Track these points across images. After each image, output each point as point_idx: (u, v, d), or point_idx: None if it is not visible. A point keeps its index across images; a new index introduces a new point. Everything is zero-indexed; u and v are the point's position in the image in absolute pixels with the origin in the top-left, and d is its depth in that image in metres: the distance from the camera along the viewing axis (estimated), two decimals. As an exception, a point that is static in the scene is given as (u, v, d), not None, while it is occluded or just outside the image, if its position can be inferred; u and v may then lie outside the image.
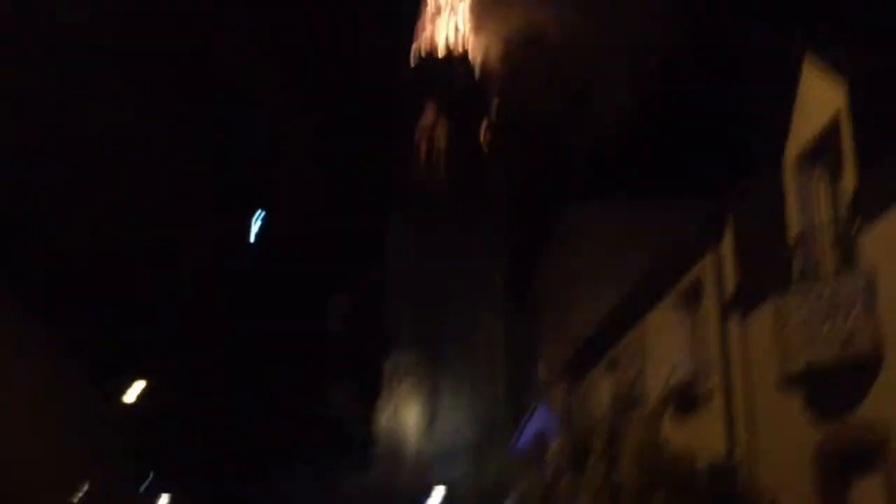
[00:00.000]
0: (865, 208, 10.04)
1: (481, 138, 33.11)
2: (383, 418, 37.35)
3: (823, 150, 11.15)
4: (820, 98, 10.92)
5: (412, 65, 36.37)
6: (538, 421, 22.53)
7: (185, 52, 28.69)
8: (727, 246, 13.44)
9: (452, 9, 38.45)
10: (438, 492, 35.77)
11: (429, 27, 38.68)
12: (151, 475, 30.02)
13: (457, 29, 37.61)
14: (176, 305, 26.31)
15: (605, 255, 21.06)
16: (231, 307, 27.48)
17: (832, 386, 10.33)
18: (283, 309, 29.82)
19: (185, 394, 26.41)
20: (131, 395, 24.97)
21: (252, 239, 32.90)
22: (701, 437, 13.70)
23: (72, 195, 23.76)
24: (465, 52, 36.70)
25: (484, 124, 33.73)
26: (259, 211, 33.22)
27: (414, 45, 37.34)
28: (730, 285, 13.31)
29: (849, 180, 10.46)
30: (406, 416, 37.87)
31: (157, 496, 31.38)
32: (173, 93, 27.49)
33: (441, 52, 37.15)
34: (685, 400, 14.73)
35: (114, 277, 24.57)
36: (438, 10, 38.74)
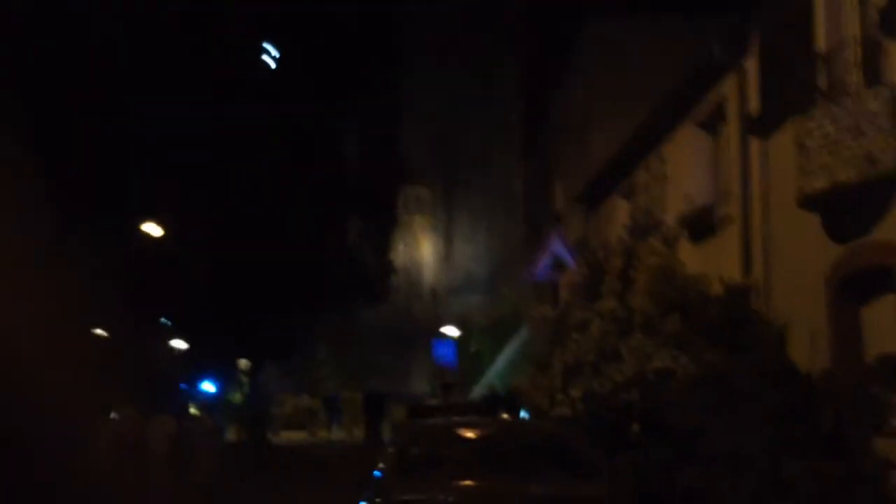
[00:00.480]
0: (893, 27, 9.51)
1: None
2: (399, 252, 37.56)
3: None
4: None
5: None
6: (553, 249, 22.42)
7: None
8: (751, 64, 12.86)
9: None
10: (452, 325, 36.23)
11: None
12: (166, 320, 30.46)
13: None
14: (190, 144, 25.94)
15: (625, 75, 20.45)
16: (245, 142, 27.10)
17: (851, 207, 10.07)
18: (298, 144, 29.41)
19: (201, 234, 26.39)
20: (149, 235, 25.04)
21: (270, 66, 32.22)
22: (717, 262, 13.52)
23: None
24: None
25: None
26: (273, 41, 32.44)
27: None
28: (753, 105, 12.82)
29: (879, -2, 9.85)
30: (421, 250, 38.02)
31: (172, 339, 31.95)
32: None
33: None
34: (702, 224, 14.50)
35: (125, 112, 24.12)
36: None
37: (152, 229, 25.29)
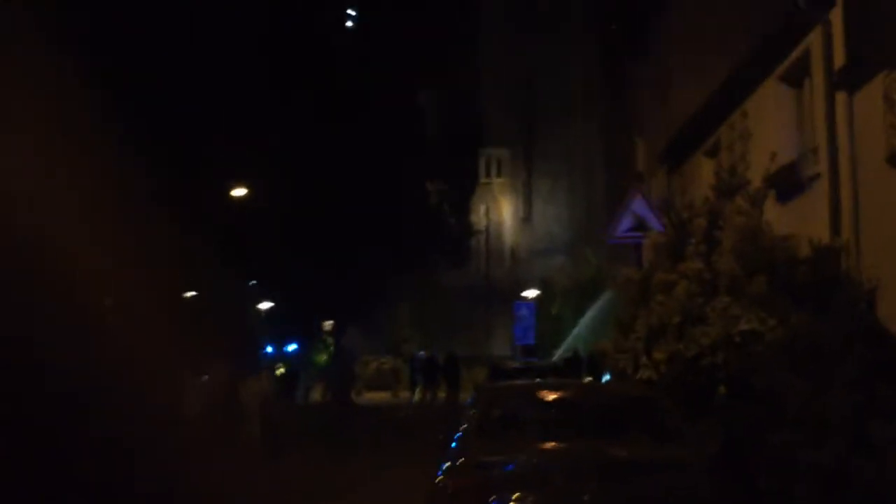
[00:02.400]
0: None
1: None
2: (479, 214, 37.52)
3: None
4: None
5: None
6: (636, 210, 22.13)
7: None
8: (837, 16, 12.50)
9: None
10: (534, 288, 36.07)
11: None
12: (254, 281, 30.97)
13: None
14: (273, 107, 26.24)
15: (706, 31, 20.02)
16: (326, 105, 27.32)
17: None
18: (379, 106, 29.52)
19: (286, 198, 26.74)
20: (237, 199, 25.47)
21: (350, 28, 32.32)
22: (804, 222, 13.25)
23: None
24: None
25: None
26: (354, 3, 32.50)
27: None
28: (840, 60, 12.47)
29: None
30: (502, 212, 37.91)
31: (259, 301, 32.48)
32: None
33: None
34: (789, 183, 14.20)
35: (211, 79, 24.46)
36: None
37: (240, 192, 25.69)
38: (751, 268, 12.50)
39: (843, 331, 10.46)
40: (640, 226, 21.83)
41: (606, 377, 15.94)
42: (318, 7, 29.20)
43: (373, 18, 31.79)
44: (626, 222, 22.78)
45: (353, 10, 32.44)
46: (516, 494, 6.44)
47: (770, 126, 15.15)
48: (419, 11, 31.85)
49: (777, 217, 14.05)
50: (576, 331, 32.56)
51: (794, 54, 14.08)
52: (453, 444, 7.53)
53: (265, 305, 33.32)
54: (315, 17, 28.84)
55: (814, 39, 13.24)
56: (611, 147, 30.45)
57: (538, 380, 13.20)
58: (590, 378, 16.80)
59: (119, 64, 19.70)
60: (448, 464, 7.13)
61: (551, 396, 8.55)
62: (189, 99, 23.40)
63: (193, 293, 26.63)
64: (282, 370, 30.99)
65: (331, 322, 36.95)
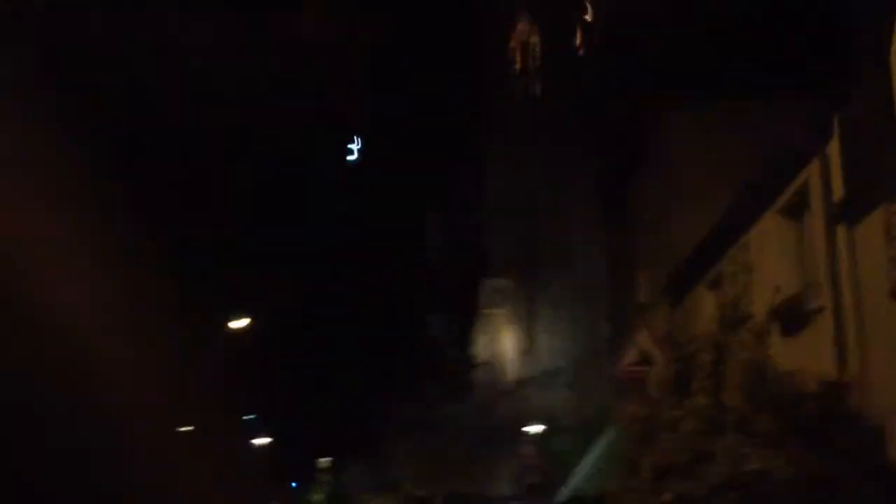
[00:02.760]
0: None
1: (577, 43, 31.95)
2: (480, 344, 37.16)
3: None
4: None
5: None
6: (640, 344, 21.89)
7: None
8: (834, 150, 12.51)
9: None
10: (537, 422, 35.47)
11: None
12: (253, 416, 30.61)
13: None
14: (275, 240, 26.47)
15: (706, 163, 20.12)
16: (328, 236, 27.54)
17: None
18: (380, 234, 29.77)
19: (285, 328, 26.68)
20: (235, 330, 25.28)
21: (350, 159, 32.80)
22: (810, 357, 12.97)
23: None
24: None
25: (579, 29, 32.56)
26: (355, 136, 33.07)
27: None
28: (838, 192, 12.43)
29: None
30: (504, 343, 37.58)
31: (258, 436, 31.98)
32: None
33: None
34: (793, 318, 13.98)
35: (218, 215, 24.73)
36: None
37: (239, 325, 25.54)
38: (758, 404, 12.22)
39: (854, 470, 10.16)
40: (645, 360, 21.57)
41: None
42: (320, 143, 29.73)
43: (376, 150, 32.34)
44: (630, 357, 22.54)
45: (356, 142, 32.98)
46: None
47: (772, 259, 15.04)
48: (421, 143, 32.42)
49: (783, 351, 13.80)
50: (581, 468, 31.82)
51: (793, 187, 14.07)
52: None
53: (262, 441, 32.79)
54: (317, 154, 29.33)
55: (812, 172, 13.24)
56: (613, 277, 30.33)
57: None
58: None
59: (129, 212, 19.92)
60: None
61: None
62: (192, 236, 23.52)
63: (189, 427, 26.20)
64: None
65: (328, 459, 36.26)
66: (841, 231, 12.31)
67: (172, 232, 23.03)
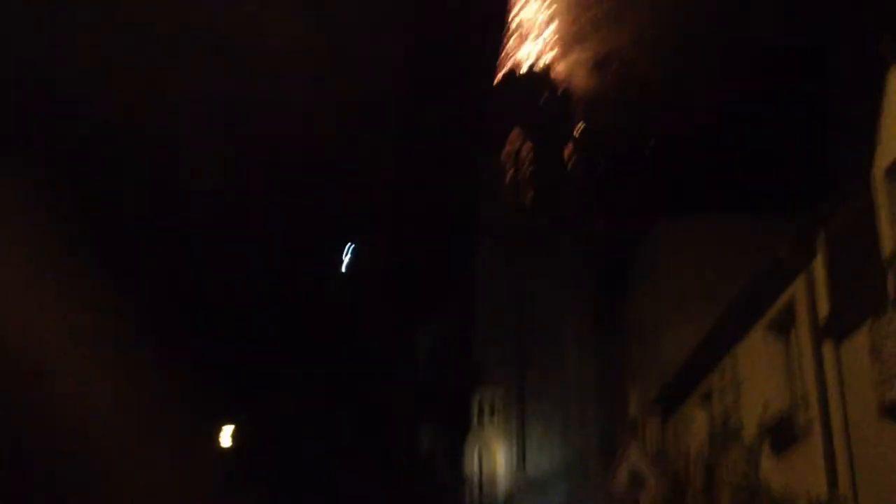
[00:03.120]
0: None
1: (566, 160, 32.54)
2: (471, 456, 36.65)
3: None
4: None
5: (496, 87, 36.24)
6: (632, 462, 21.64)
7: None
8: (819, 267, 12.61)
9: (538, 32, 38.29)
10: None
11: (514, 50, 38.59)
12: None
13: (542, 51, 37.46)
14: (266, 346, 26.42)
15: (694, 278, 20.25)
16: (317, 345, 27.48)
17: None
18: (370, 347, 29.70)
19: (274, 435, 26.44)
20: (224, 438, 25.07)
21: (343, 270, 32.97)
22: (800, 475, 12.84)
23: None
24: (550, 74, 36.42)
25: (569, 146, 33.20)
26: (348, 245, 33.30)
27: (499, 68, 37.32)
28: (823, 309, 12.47)
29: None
30: (494, 455, 37.08)
31: None
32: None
33: (526, 74, 37.03)
34: (782, 435, 13.86)
35: (209, 321, 24.78)
36: (523, 34, 38.63)
37: (226, 439, 25.35)
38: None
39: None
40: (637, 478, 21.28)
41: None
42: (312, 256, 29.95)
43: (366, 262, 32.54)
44: (622, 475, 22.23)
45: (347, 252, 33.22)
46: None
47: (760, 374, 14.98)
48: (410, 259, 32.65)
49: (773, 467, 13.67)
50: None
51: (779, 303, 14.11)
52: None
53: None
54: (308, 268, 29.53)
55: (797, 289, 13.30)
56: (603, 390, 30.15)
57: None
58: None
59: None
60: None
61: None
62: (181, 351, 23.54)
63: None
64: None
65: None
66: (828, 347, 12.29)
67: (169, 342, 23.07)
